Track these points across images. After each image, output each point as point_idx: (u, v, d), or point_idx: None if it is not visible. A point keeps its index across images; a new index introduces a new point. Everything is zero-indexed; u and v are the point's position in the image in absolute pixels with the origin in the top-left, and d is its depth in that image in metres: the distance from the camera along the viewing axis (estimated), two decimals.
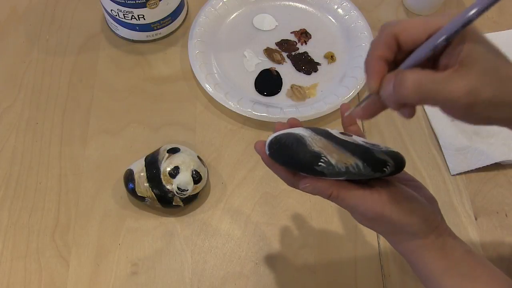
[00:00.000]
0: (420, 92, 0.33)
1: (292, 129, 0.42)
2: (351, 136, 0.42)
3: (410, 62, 0.35)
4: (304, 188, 0.41)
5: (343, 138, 0.41)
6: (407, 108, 0.36)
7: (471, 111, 0.34)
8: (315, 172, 0.39)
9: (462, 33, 0.33)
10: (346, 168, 0.39)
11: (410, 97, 0.34)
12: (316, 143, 0.39)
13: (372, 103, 0.39)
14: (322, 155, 0.39)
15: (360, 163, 0.39)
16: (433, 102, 0.34)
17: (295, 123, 0.44)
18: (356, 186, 0.41)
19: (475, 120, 0.35)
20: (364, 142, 0.41)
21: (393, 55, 0.36)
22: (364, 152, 0.40)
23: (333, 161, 0.38)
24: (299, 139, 0.40)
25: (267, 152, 0.41)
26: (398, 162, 0.41)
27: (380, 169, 0.40)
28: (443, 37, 0.33)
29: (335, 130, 0.42)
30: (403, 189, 0.42)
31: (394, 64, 0.37)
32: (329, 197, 0.41)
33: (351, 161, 0.39)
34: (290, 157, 0.40)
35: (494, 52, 0.34)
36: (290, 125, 0.44)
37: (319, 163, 0.38)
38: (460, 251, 0.41)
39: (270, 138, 0.42)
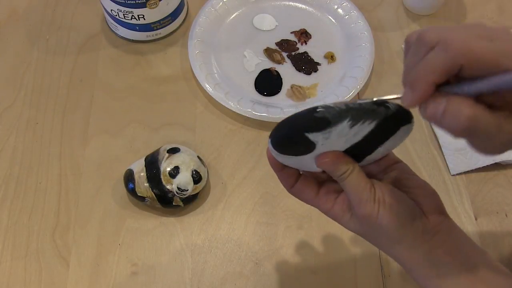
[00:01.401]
0: (471, 130, 0.31)
1: None
2: None
3: (466, 90, 0.31)
4: (323, 163, 0.39)
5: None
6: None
7: (506, 150, 0.33)
8: (317, 121, 0.37)
9: None
10: (346, 105, 0.36)
11: (458, 131, 0.31)
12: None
13: None
14: (319, 105, 0.37)
15: (358, 101, 0.37)
16: (477, 140, 0.32)
17: None
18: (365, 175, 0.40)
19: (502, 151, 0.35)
20: None
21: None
22: (361, 102, 0.38)
23: (331, 104, 0.37)
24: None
25: (269, 143, 0.40)
26: (403, 108, 0.38)
27: (383, 103, 0.37)
28: None
29: None
30: (398, 191, 0.41)
31: None
32: (343, 173, 0.39)
33: (348, 103, 0.37)
34: (290, 124, 0.39)
35: None
36: None
37: (318, 110, 0.37)
38: (457, 268, 0.39)
39: None
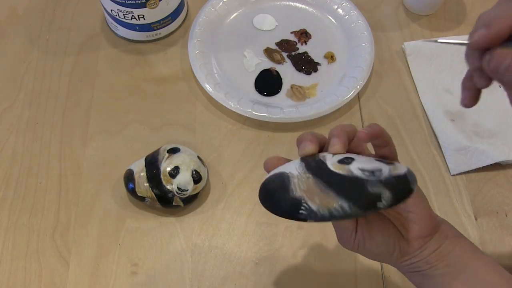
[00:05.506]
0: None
1: (288, 164, 0.40)
2: (351, 162, 0.38)
3: None
4: None
5: (336, 171, 0.37)
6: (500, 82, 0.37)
7: None
8: (299, 219, 0.36)
9: None
10: (329, 213, 0.35)
11: None
12: (301, 185, 0.37)
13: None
14: (303, 201, 0.36)
15: (345, 204, 0.35)
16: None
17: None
18: None
19: None
20: (362, 169, 0.37)
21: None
22: (353, 188, 0.36)
23: (314, 207, 0.36)
24: (283, 183, 0.38)
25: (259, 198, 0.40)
26: (399, 192, 0.36)
27: (372, 206, 0.35)
28: None
29: (335, 156, 0.39)
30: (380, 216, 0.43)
31: None
32: None
33: (334, 204, 0.35)
34: (274, 206, 0.38)
35: None
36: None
37: (300, 211, 0.36)
38: (438, 271, 0.41)
39: (264, 180, 0.41)
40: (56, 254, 0.61)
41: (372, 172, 0.36)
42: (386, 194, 0.35)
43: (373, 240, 0.43)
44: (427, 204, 0.43)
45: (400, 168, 0.38)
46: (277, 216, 0.38)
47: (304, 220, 0.36)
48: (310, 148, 0.41)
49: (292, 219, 0.37)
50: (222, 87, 0.71)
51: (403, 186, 0.37)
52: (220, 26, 0.78)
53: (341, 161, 0.38)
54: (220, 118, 0.71)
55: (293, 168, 0.39)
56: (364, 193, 0.36)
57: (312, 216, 0.36)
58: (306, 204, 0.36)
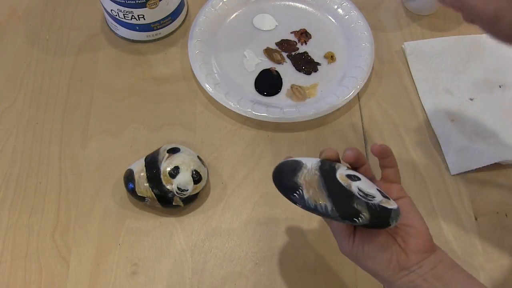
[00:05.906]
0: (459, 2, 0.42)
1: (309, 158, 0.46)
2: (355, 180, 0.43)
3: None
4: None
5: (339, 180, 0.43)
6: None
7: (495, 27, 0.42)
8: (291, 199, 0.44)
9: None
10: (314, 205, 0.42)
11: None
12: (306, 176, 0.43)
13: None
14: (300, 188, 0.43)
15: (329, 206, 0.42)
16: (464, 11, 0.43)
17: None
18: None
19: (502, 37, 0.43)
20: (360, 189, 0.43)
21: None
22: (343, 198, 0.42)
23: (306, 196, 0.42)
24: (295, 169, 0.45)
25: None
26: (377, 219, 0.42)
27: (350, 218, 0.41)
28: None
29: (347, 170, 0.45)
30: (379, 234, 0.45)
31: None
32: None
33: (322, 201, 0.42)
34: (278, 181, 0.46)
35: None
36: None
37: (294, 194, 0.43)
38: None
39: (283, 160, 0.48)
40: (56, 254, 0.61)
41: (366, 195, 0.42)
42: (365, 215, 0.41)
43: (371, 242, 0.44)
44: (424, 223, 0.46)
45: (391, 204, 0.43)
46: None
47: (294, 202, 0.43)
48: (330, 152, 0.47)
49: (286, 197, 0.44)
50: (222, 87, 0.71)
51: (382, 217, 0.42)
52: (220, 26, 0.78)
53: (348, 176, 0.44)
54: (220, 118, 0.71)
55: (310, 162, 0.45)
56: (349, 205, 0.42)
57: (301, 203, 0.43)
58: (301, 191, 0.43)
